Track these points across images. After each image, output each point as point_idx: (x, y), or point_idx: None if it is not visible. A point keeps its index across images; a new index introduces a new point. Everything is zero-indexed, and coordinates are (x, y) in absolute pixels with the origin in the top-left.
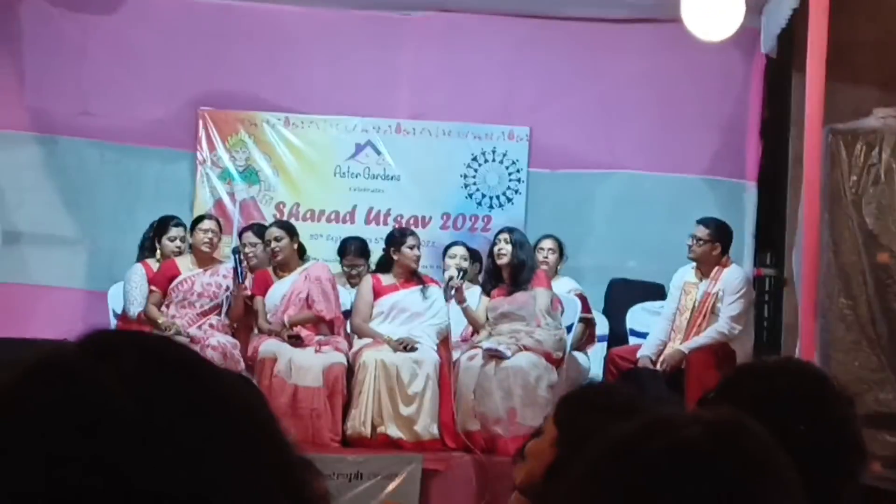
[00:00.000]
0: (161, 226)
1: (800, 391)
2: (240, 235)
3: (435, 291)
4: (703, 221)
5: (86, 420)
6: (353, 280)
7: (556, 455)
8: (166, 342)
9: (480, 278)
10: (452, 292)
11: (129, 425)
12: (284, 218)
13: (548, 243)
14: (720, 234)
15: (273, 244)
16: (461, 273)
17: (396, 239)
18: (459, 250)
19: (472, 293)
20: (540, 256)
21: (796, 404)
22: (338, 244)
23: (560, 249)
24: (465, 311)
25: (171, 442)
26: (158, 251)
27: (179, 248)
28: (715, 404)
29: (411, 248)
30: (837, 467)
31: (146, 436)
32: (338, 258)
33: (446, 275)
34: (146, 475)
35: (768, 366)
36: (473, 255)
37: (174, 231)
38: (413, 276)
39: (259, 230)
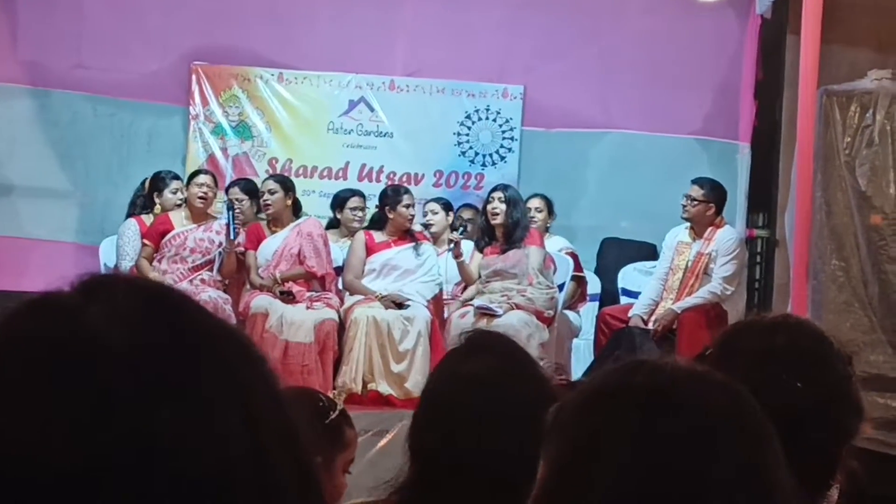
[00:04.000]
0: (155, 181)
1: (798, 348)
2: (226, 190)
3: (427, 249)
4: (698, 181)
5: (73, 355)
6: (356, 226)
7: None
8: (157, 283)
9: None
10: (451, 246)
11: (117, 360)
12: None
13: (535, 202)
14: (715, 194)
15: (266, 196)
16: (461, 228)
17: (391, 197)
18: (467, 213)
19: (466, 248)
20: None
21: (795, 361)
22: (331, 200)
23: (548, 208)
24: (460, 267)
25: (159, 378)
26: (158, 206)
27: (182, 200)
28: (713, 360)
29: (406, 206)
30: (834, 424)
31: (134, 372)
32: (331, 212)
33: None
34: (133, 411)
35: (767, 322)
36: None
37: (175, 184)
38: (406, 234)
39: (246, 186)
